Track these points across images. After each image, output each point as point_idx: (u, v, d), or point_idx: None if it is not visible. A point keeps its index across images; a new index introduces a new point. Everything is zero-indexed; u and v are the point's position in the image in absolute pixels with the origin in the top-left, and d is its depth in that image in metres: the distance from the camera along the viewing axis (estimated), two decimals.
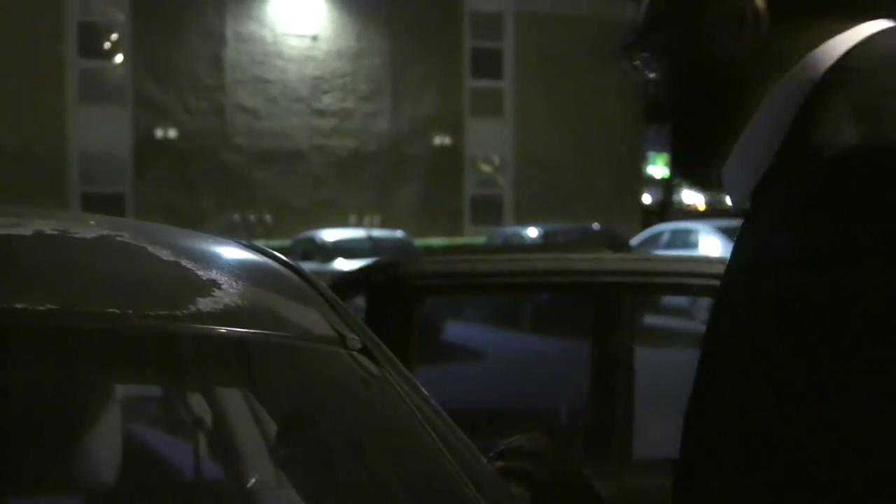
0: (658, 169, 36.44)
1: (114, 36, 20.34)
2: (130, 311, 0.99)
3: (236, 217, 20.60)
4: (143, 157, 20.25)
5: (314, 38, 21.43)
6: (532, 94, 22.90)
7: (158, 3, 19.85)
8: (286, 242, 16.57)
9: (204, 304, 1.05)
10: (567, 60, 23.07)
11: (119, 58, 20.40)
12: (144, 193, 20.17)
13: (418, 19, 21.91)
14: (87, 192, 19.90)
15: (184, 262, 1.14)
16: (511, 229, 16.99)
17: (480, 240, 18.52)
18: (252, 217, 20.72)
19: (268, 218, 20.78)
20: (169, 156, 20.25)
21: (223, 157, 20.66)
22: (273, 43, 21.07)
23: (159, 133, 20.26)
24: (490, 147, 23.22)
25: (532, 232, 15.23)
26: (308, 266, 12.25)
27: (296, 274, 1.29)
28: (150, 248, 1.16)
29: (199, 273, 1.13)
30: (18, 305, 0.93)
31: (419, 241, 16.98)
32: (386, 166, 21.84)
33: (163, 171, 20.20)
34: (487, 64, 22.98)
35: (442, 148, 22.45)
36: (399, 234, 15.16)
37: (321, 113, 21.53)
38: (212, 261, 1.20)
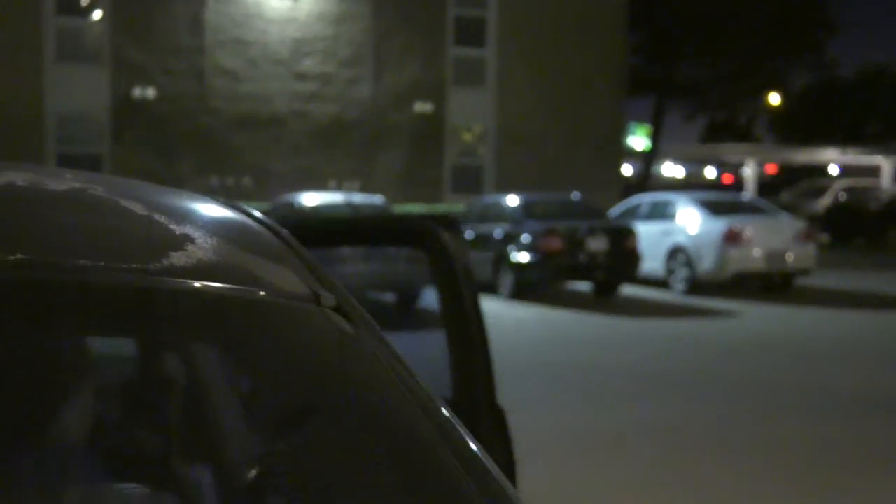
0: (638, 140, 36.49)
1: None
2: (102, 264, 0.97)
3: (215, 181, 20.45)
4: (120, 119, 20.03)
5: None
6: (515, 64, 22.80)
7: None
8: (265, 207, 16.45)
9: (176, 258, 1.04)
10: (551, 30, 22.97)
11: (98, 15, 20.10)
12: (122, 155, 19.97)
13: None
14: (64, 152, 19.68)
15: (157, 217, 1.14)
16: (490, 197, 16.96)
17: (460, 207, 18.50)
18: (230, 181, 20.58)
19: (246, 182, 20.65)
20: (147, 118, 20.04)
21: (202, 120, 20.46)
22: (254, 4, 20.82)
23: (137, 94, 20.03)
24: (472, 116, 23.12)
25: (512, 200, 15.22)
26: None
27: (270, 231, 1.29)
28: (124, 202, 1.16)
29: (173, 227, 1.12)
30: None
31: (399, 208, 16.94)
32: (367, 133, 21.72)
33: (141, 133, 19.99)
34: (471, 32, 22.82)
35: (423, 116, 22.33)
36: (378, 199, 15.09)
37: (302, 76, 21.33)
38: (185, 216, 1.19)
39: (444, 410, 1.08)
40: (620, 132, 25.60)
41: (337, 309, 1.13)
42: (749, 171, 39.34)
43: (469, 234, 15.58)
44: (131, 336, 1.00)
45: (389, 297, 13.52)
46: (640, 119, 36.52)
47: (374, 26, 21.69)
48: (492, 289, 14.69)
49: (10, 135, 18.64)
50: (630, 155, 33.30)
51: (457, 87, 22.77)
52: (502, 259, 14.48)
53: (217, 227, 1.19)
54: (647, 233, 15.23)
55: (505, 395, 7.50)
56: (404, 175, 21.98)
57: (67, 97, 19.51)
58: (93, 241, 1.04)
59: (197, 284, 1.00)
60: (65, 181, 1.20)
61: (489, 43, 23.04)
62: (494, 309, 13.42)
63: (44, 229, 1.03)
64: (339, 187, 20.60)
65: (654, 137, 32.88)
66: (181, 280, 1.00)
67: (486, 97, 23.05)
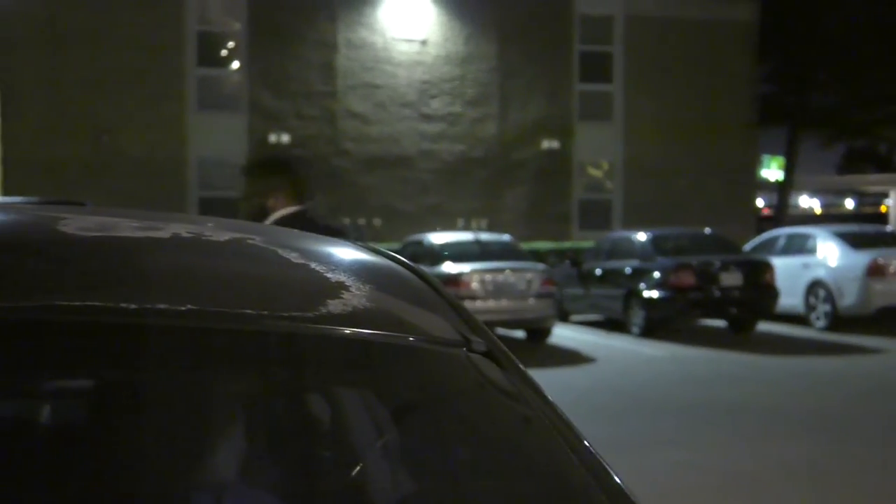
0: (772, 172, 35.44)
1: (230, 45, 20.96)
2: (265, 312, 1.00)
3: (346, 221, 20.94)
4: None
5: (423, 42, 21.62)
6: (642, 98, 22.60)
7: (273, 13, 20.37)
8: (395, 246, 16.74)
9: (327, 304, 1.06)
10: (677, 63, 22.69)
11: (235, 66, 21.01)
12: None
13: (527, 23, 21.89)
14: (205, 196, 20.54)
15: (310, 265, 1.17)
16: (620, 233, 16.77)
17: (588, 244, 18.36)
18: (362, 221, 21.03)
19: (376, 222, 21.06)
20: None
21: (333, 163, 21.03)
22: (383, 49, 21.35)
23: (273, 139, 20.76)
24: (599, 151, 23.00)
25: (641, 236, 15.01)
26: None
27: (417, 276, 1.30)
28: (280, 251, 1.20)
29: (325, 275, 1.15)
30: (161, 306, 0.96)
31: (527, 245, 16.94)
32: (493, 171, 21.88)
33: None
34: (597, 68, 22.78)
35: (550, 152, 22.35)
36: (506, 237, 15.14)
37: (429, 118, 21.70)
38: (336, 263, 1.22)
39: (594, 453, 1.08)
40: (753, 164, 24.98)
41: (487, 354, 1.12)
42: (892, 203, 37.65)
43: (598, 271, 15.45)
44: (289, 381, 1.01)
45: (519, 334, 13.51)
46: (773, 150, 35.51)
47: (500, 66, 21.91)
48: (622, 326, 14.49)
49: (157, 179, 19.61)
50: (763, 187, 32.41)
51: (583, 123, 22.71)
52: (632, 295, 14.27)
53: (366, 274, 1.21)
54: (784, 267, 14.76)
55: (638, 435, 7.38)
56: (531, 212, 22.00)
57: (208, 143, 20.40)
58: (254, 289, 1.07)
59: (347, 331, 1.02)
60: (225, 232, 1.25)
61: (616, 78, 22.93)
62: (625, 346, 13.23)
63: (209, 280, 1.07)
64: (466, 225, 20.77)
65: (789, 168, 31.93)
66: (333, 327, 1.01)
67: (613, 132, 22.90)
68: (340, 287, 1.12)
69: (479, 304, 12.28)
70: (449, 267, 13.14)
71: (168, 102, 20.00)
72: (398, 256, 1.38)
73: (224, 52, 20.98)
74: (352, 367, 1.03)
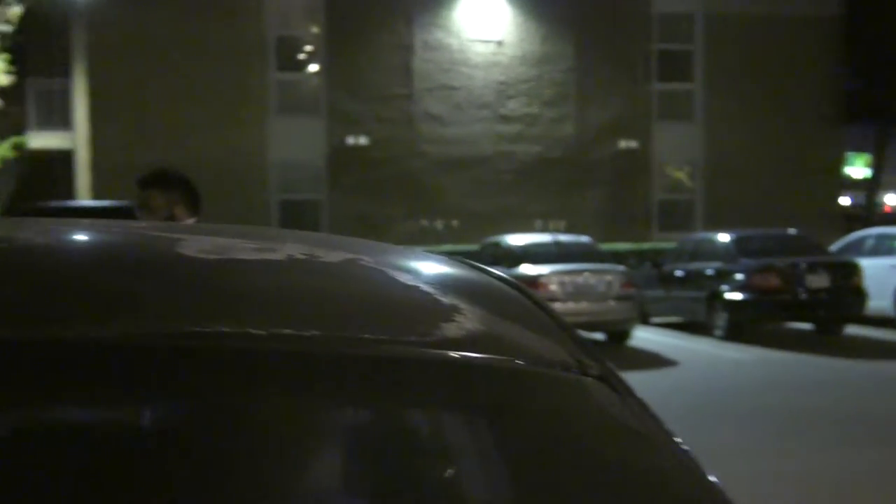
0: (858, 170, 34.49)
1: (309, 49, 21.24)
2: (384, 337, 1.00)
3: (424, 222, 21.04)
4: (336, 166, 21.02)
5: (499, 43, 21.60)
6: (723, 96, 22.20)
7: (351, 17, 20.57)
8: (473, 247, 16.76)
9: (445, 328, 1.05)
10: (759, 60, 22.24)
11: (314, 69, 21.27)
12: (337, 201, 20.93)
13: (604, 23, 21.70)
14: (285, 199, 20.86)
15: (422, 286, 1.16)
16: (702, 234, 16.50)
17: (669, 245, 18.11)
18: (439, 223, 21.10)
19: (454, 223, 21.10)
20: (360, 164, 20.93)
21: (411, 164, 21.15)
22: (459, 50, 21.39)
23: (351, 142, 20.97)
24: (678, 151, 22.67)
25: (724, 237, 14.75)
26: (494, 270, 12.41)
27: (526, 297, 1.27)
28: (390, 272, 1.19)
29: (438, 297, 1.14)
30: (287, 331, 0.95)
31: (605, 247, 16.79)
32: (571, 171, 21.74)
33: (354, 178, 20.89)
34: (676, 66, 22.46)
35: (628, 152, 22.11)
36: (585, 239, 15.03)
37: (506, 119, 21.67)
38: (446, 283, 1.20)
39: (710, 476, 1.05)
40: (838, 162, 24.34)
41: (601, 378, 1.09)
42: None
43: (680, 273, 15.23)
44: (406, 406, 0.98)
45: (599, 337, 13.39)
46: (860, 148, 34.53)
47: (577, 65, 21.76)
48: (705, 329, 14.26)
49: (238, 183, 19.97)
50: (849, 186, 31.57)
51: (662, 122, 22.41)
52: (715, 298, 14.03)
53: (476, 294, 1.19)
54: (873, 268, 14.34)
55: (722, 442, 7.23)
56: (610, 213, 21.80)
57: (288, 147, 20.70)
58: (370, 313, 1.06)
59: (454, 354, 1.00)
60: (336, 252, 1.25)
61: (696, 76, 22.58)
62: (708, 349, 13.01)
63: (329, 303, 1.06)
64: (544, 227, 20.67)
65: (876, 167, 31.03)
66: (446, 351, 1.00)
67: (693, 131, 22.55)
68: (453, 310, 1.11)
69: (558, 306, 12.20)
70: (527, 269, 13.09)
71: (248, 107, 20.36)
72: (503, 275, 1.35)
73: (303, 57, 21.26)
74: (463, 393, 1.00)
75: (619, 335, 13.33)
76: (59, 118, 20.48)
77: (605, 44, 21.74)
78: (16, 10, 17.79)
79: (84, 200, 14.32)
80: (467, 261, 1.38)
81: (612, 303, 12.91)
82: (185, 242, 1.19)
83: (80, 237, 1.24)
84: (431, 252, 1.46)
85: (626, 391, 1.12)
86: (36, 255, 1.12)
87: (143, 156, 19.48)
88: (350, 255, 1.24)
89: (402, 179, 21.04)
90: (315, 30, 21.05)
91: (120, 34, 19.44)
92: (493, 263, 14.03)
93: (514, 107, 21.66)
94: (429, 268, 1.26)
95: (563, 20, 21.57)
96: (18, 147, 20.42)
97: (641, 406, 1.11)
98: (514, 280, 1.34)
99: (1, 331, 0.88)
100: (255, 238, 1.31)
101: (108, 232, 1.28)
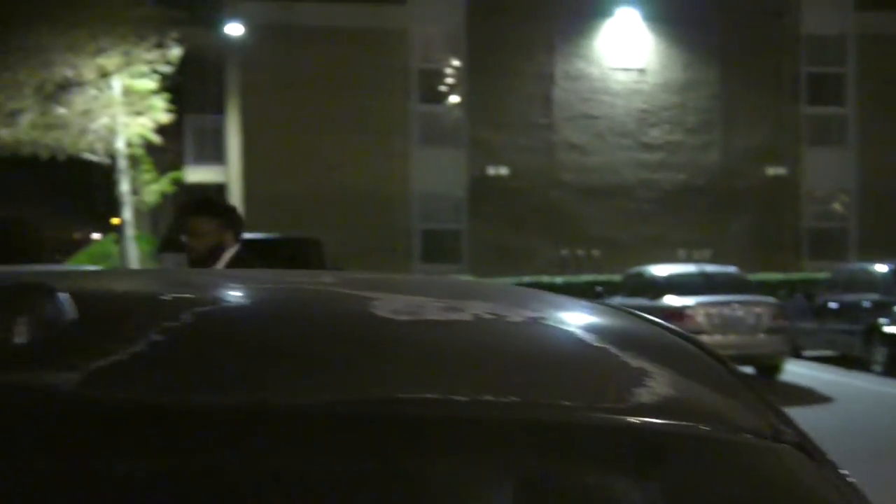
0: None
1: (451, 80, 21.55)
2: (580, 404, 0.96)
3: (565, 252, 20.93)
4: (476, 196, 21.20)
5: (641, 71, 21.38)
6: (878, 120, 21.26)
7: (492, 48, 20.78)
8: (615, 277, 16.55)
9: (631, 393, 1.01)
10: None
11: (455, 101, 21.56)
12: (477, 230, 21.08)
13: (750, 47, 21.19)
14: (427, 228, 21.15)
15: (605, 347, 1.12)
16: (857, 264, 15.80)
17: (820, 275, 17.42)
18: (580, 252, 20.95)
19: (595, 253, 20.91)
20: (500, 194, 21.04)
21: (551, 194, 21.11)
22: (600, 79, 21.28)
23: (491, 172, 21.12)
24: (830, 177, 21.83)
25: (881, 267, 14.07)
26: (637, 302, 12.04)
27: (707, 354, 1.21)
28: (573, 332, 1.16)
29: (621, 358, 1.09)
30: (488, 398, 0.93)
31: (753, 277, 16.27)
32: (716, 199, 21.23)
33: (495, 208, 21.00)
34: (827, 89, 21.68)
35: (776, 179, 21.43)
36: (733, 269, 14.60)
37: (648, 147, 21.39)
38: (627, 342, 1.15)
39: None
40: None
41: (797, 445, 1.02)
42: None
43: (834, 304, 14.61)
44: (581, 470, 0.93)
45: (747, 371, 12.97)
46: None
47: (722, 92, 21.30)
48: (862, 363, 13.60)
49: (382, 212, 20.40)
50: None
51: (812, 148, 21.65)
52: (873, 331, 13.37)
53: (656, 354, 1.14)
54: None
55: (890, 487, 6.86)
56: (757, 242, 21.14)
57: (429, 177, 21.01)
58: (561, 377, 1.02)
59: (635, 420, 0.94)
60: (519, 310, 1.21)
61: (848, 99, 21.73)
62: (866, 385, 12.41)
63: (522, 368, 1.03)
64: (688, 256, 20.23)
65: None
66: (627, 417, 0.95)
67: (845, 156, 21.68)
68: (637, 372, 1.06)
69: (704, 338, 11.89)
70: (672, 300, 12.82)
71: (392, 139, 20.79)
72: (679, 329, 1.30)
73: (444, 88, 21.59)
74: (647, 461, 0.93)
75: (769, 369, 12.87)
76: (214, 153, 21.44)
77: (751, 68, 21.20)
78: (175, 52, 18.77)
79: (262, 233, 14.85)
80: (643, 315, 1.33)
81: (761, 336, 12.49)
82: (376, 302, 1.18)
83: (272, 296, 1.23)
84: (603, 303, 1.44)
85: (823, 460, 1.04)
86: (235, 316, 1.11)
87: (292, 187, 20.17)
88: (533, 314, 1.22)
89: (542, 209, 21.02)
90: (456, 62, 21.35)
91: (270, 72, 20.22)
92: (637, 294, 13.80)
93: (656, 135, 21.36)
94: (607, 325, 1.23)
95: (707, 46, 21.17)
96: (176, 181, 21.48)
97: (840, 477, 1.03)
98: (694, 337, 1.29)
99: (204, 397, 0.87)
100: (437, 294, 1.30)
101: (299, 289, 1.27)
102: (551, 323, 1.21)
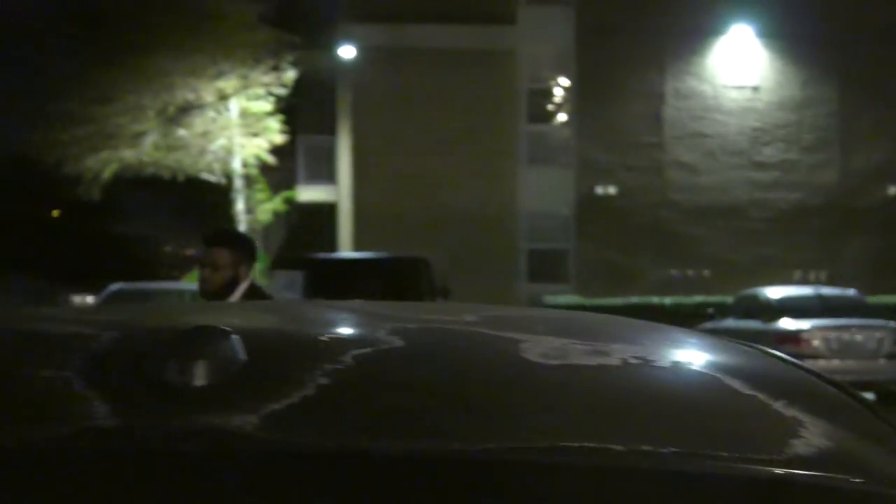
0: None
1: (559, 101, 21.52)
2: (738, 454, 0.91)
3: (674, 272, 20.59)
4: (584, 216, 21.07)
5: (755, 89, 20.95)
6: None
7: (602, 67, 20.68)
8: (726, 299, 16.20)
9: (778, 443, 0.95)
10: None
11: (564, 121, 21.51)
12: (585, 250, 20.94)
13: (871, 63, 20.51)
14: (534, 248, 21.12)
15: (749, 392, 1.07)
16: None
17: None
18: (690, 273, 20.58)
19: (706, 273, 20.51)
20: (608, 213, 20.86)
21: (661, 213, 20.83)
22: (712, 97, 20.93)
23: (600, 191, 20.97)
24: None
25: None
26: (750, 325, 11.69)
27: (855, 400, 1.16)
28: (720, 377, 1.12)
29: (766, 404, 1.05)
30: (645, 447, 0.89)
31: (873, 300, 15.69)
32: (833, 219, 20.58)
33: (602, 228, 20.83)
34: None
35: None
36: (852, 292, 14.12)
37: (761, 166, 20.91)
38: (768, 386, 1.11)
39: None
40: None
41: None
42: None
43: None
44: None
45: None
46: None
47: (841, 109, 20.68)
48: None
49: (489, 232, 20.46)
50: None
51: None
52: None
53: (800, 399, 1.08)
54: None
55: None
56: (878, 263, 20.38)
57: (537, 197, 20.99)
58: (712, 426, 0.97)
59: (795, 473, 0.89)
60: (663, 355, 1.18)
61: None
62: None
63: (676, 416, 0.99)
64: (804, 278, 19.66)
65: None
66: (781, 469, 0.89)
67: None
68: (793, 422, 1.01)
69: (821, 364, 11.52)
70: (787, 323, 12.48)
71: (500, 158, 20.86)
72: (823, 374, 1.25)
73: (553, 108, 21.57)
74: None
75: (891, 396, 12.38)
76: (325, 172, 21.90)
77: (872, 84, 20.52)
78: (290, 75, 19.30)
79: (372, 252, 15.12)
80: (788, 358, 1.30)
81: (882, 361, 12.05)
82: (523, 345, 1.16)
83: (424, 337, 1.22)
84: (745, 344, 1.39)
85: None
86: (394, 357, 1.10)
87: (400, 207, 20.43)
88: (679, 358, 1.20)
89: (651, 228, 20.76)
90: (565, 81, 21.31)
91: (381, 93, 20.57)
92: (750, 317, 13.47)
93: (770, 153, 20.86)
94: (754, 369, 1.19)
95: (826, 63, 20.59)
96: (289, 200, 22.04)
97: None
98: (836, 380, 1.24)
99: (377, 442, 0.87)
100: (580, 335, 1.27)
101: (449, 330, 1.26)
102: (698, 367, 1.18)
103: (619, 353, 1.16)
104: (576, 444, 0.89)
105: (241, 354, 1.00)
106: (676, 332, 1.37)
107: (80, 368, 1.04)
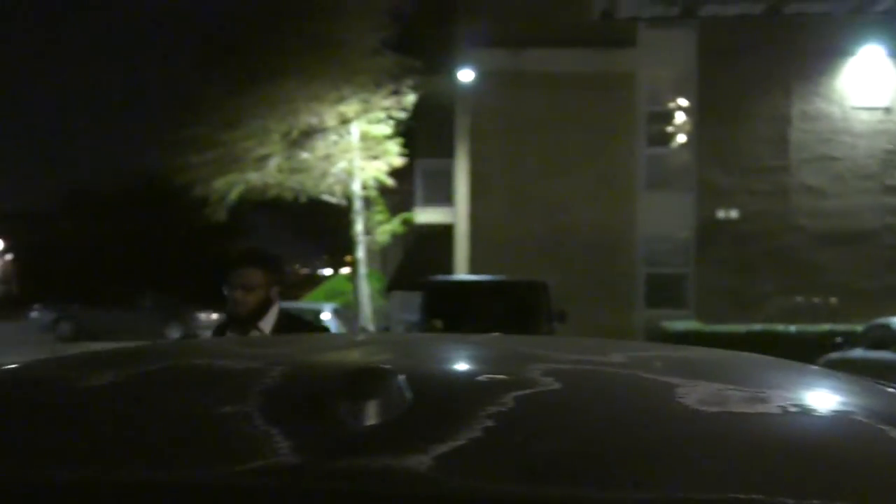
0: None
1: (679, 124, 21.19)
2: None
3: (799, 299, 19.95)
4: (703, 240, 20.64)
5: (887, 110, 20.18)
6: None
7: (724, 89, 20.28)
8: (855, 328, 15.60)
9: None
10: None
11: (684, 144, 21.17)
12: (705, 274, 20.50)
13: None
14: (651, 272, 20.80)
15: (879, 435, 1.06)
16: None
17: None
18: (816, 300, 19.90)
19: (833, 301, 19.79)
20: (729, 238, 20.39)
21: (786, 238, 20.23)
22: (841, 119, 20.27)
23: (721, 215, 20.51)
24: None
25: None
26: (881, 356, 11.22)
27: None
28: (885, 429, 1.09)
29: (856, 439, 1.04)
30: (789, 501, 0.87)
31: None
32: None
33: (723, 252, 20.36)
34: None
35: None
36: None
37: (893, 190, 20.10)
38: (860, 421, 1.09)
39: None
40: None
41: None
42: None
43: None
44: None
45: None
46: None
47: None
48: None
49: (606, 255, 20.26)
50: None
51: None
52: None
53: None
54: None
55: None
56: None
57: (655, 221, 20.69)
58: (852, 477, 0.95)
59: None
60: (825, 404, 1.16)
61: None
62: None
63: (836, 470, 0.96)
64: None
65: None
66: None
67: None
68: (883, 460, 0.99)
69: None
70: None
71: (618, 181, 20.66)
72: None
73: (673, 131, 21.26)
74: None
75: None
76: (443, 195, 22.10)
77: None
78: (410, 99, 19.60)
79: (489, 276, 15.21)
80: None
81: None
82: (680, 389, 1.15)
83: (582, 380, 1.22)
84: (859, 379, 1.37)
85: None
86: (553, 400, 1.10)
87: (517, 230, 20.44)
88: (841, 407, 1.18)
89: (775, 254, 20.18)
90: (686, 103, 20.99)
91: (499, 116, 20.67)
92: (880, 347, 12.93)
93: None
94: (877, 409, 1.17)
95: None
96: (406, 222, 22.32)
97: None
98: None
99: (545, 489, 0.87)
100: (735, 380, 1.26)
101: (604, 373, 1.26)
102: (861, 417, 1.15)
103: (778, 401, 1.14)
104: (744, 497, 0.87)
105: (409, 394, 1.03)
106: (828, 377, 1.34)
107: (254, 406, 1.06)
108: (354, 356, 1.49)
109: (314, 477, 0.90)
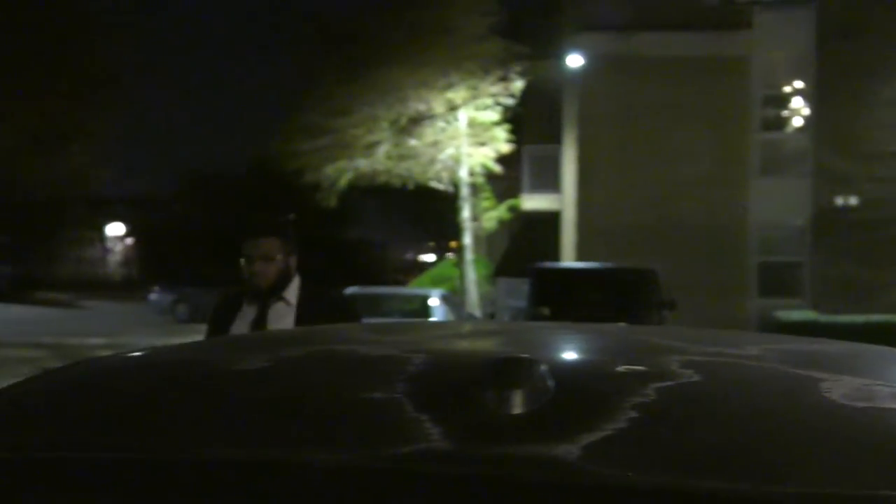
0: None
1: (796, 107, 20.54)
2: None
3: None
4: (820, 228, 19.99)
5: None
6: None
7: (843, 71, 19.56)
8: None
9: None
10: None
11: (800, 128, 20.52)
12: (821, 263, 19.86)
13: None
14: (765, 261, 20.26)
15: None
16: None
17: None
18: None
19: None
20: (849, 225, 19.68)
21: None
22: None
23: (839, 202, 19.82)
24: None
25: None
26: None
27: None
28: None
29: None
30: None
31: None
32: None
33: (841, 241, 19.68)
34: None
35: None
36: None
37: None
38: None
39: None
40: None
41: None
42: None
43: None
44: None
45: None
46: None
47: None
48: None
49: (717, 243, 19.83)
50: None
51: None
52: None
53: None
54: None
55: None
56: None
57: (769, 208, 20.12)
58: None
59: None
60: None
61: None
62: None
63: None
64: None
65: None
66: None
67: None
68: None
69: None
70: None
71: (731, 167, 20.17)
72: None
73: (788, 115, 20.62)
74: None
75: None
76: (550, 181, 21.97)
77: None
78: (518, 85, 19.55)
79: (597, 263, 15.09)
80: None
81: None
82: (824, 384, 1.13)
83: (713, 376, 1.19)
84: None
85: None
86: (694, 392, 1.10)
87: (625, 216, 20.19)
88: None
89: (893, 243, 19.40)
90: (803, 86, 20.33)
91: (608, 101, 20.41)
92: None
93: None
94: None
95: None
96: (513, 209, 22.30)
97: None
98: None
99: (686, 481, 0.87)
100: (881, 374, 1.23)
101: (725, 361, 1.24)
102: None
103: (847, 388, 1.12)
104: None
105: (551, 384, 1.04)
106: None
107: (403, 392, 1.08)
108: (490, 345, 1.49)
109: (465, 463, 0.91)
